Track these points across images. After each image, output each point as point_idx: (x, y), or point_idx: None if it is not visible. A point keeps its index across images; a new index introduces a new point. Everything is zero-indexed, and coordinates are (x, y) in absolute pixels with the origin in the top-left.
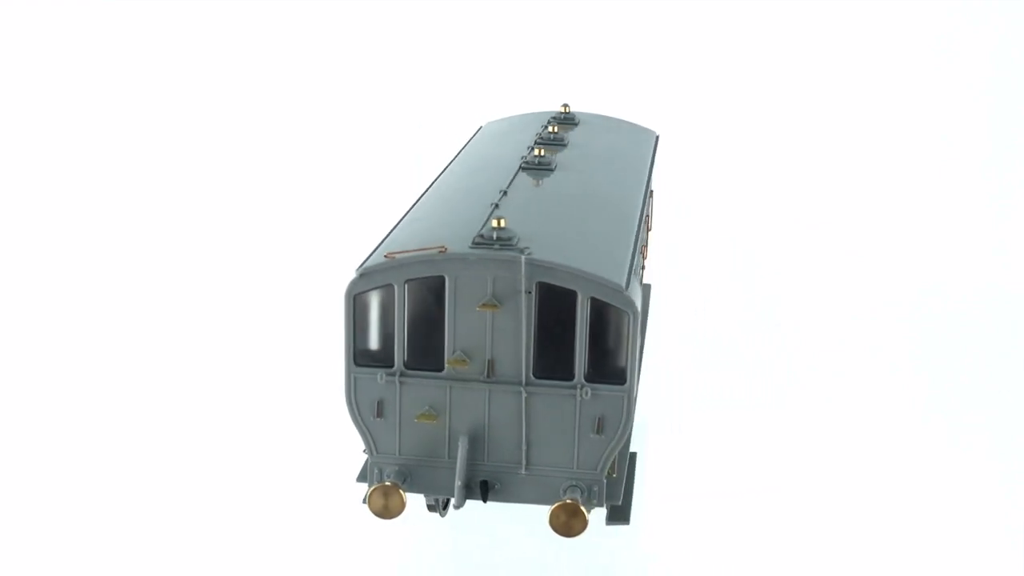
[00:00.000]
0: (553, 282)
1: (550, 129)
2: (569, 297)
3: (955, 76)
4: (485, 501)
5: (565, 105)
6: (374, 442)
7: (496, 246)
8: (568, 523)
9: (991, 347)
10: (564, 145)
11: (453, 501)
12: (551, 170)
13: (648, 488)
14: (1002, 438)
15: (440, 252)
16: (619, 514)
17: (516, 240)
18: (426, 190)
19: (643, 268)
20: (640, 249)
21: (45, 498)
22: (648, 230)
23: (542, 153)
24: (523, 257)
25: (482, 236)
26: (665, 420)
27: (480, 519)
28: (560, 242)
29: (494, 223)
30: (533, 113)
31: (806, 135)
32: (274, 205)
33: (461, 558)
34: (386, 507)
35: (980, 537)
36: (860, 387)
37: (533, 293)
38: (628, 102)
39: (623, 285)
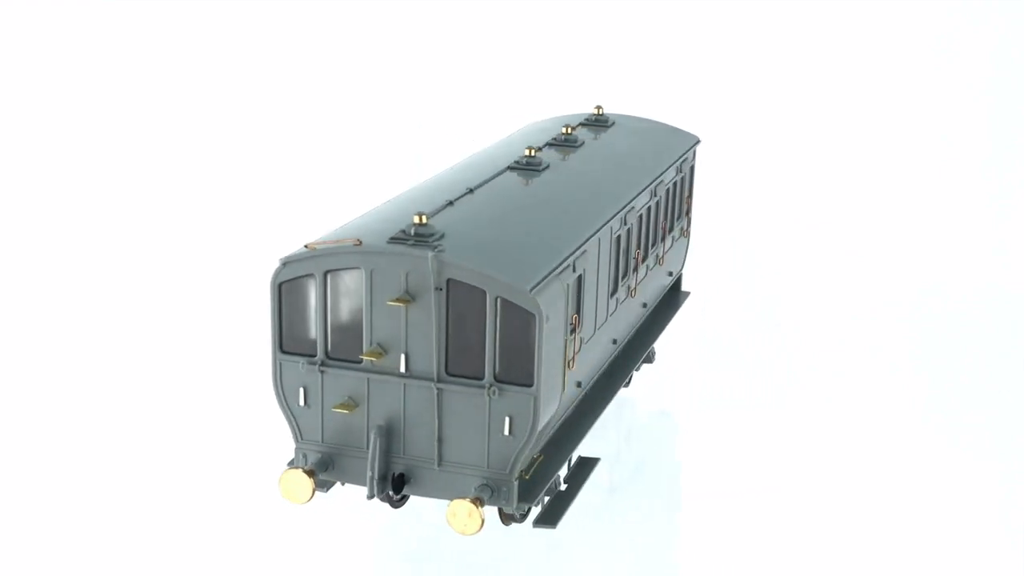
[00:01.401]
0: (462, 280)
1: (564, 130)
2: (479, 296)
3: (955, 76)
4: (397, 493)
5: (598, 107)
6: (299, 429)
7: (411, 242)
8: (463, 521)
9: (991, 347)
10: (576, 146)
11: (365, 491)
12: (538, 171)
13: (647, 487)
14: (1002, 438)
15: (355, 244)
16: (547, 517)
17: (436, 237)
18: (410, 188)
19: (673, 274)
20: (634, 254)
21: None
22: (669, 232)
23: (532, 154)
24: (430, 254)
25: (403, 231)
26: (665, 420)
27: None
28: (486, 242)
29: (416, 219)
30: (573, 114)
31: (805, 136)
32: (275, 202)
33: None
34: (293, 491)
35: (980, 537)
36: (860, 387)
37: (444, 290)
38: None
39: (527, 287)
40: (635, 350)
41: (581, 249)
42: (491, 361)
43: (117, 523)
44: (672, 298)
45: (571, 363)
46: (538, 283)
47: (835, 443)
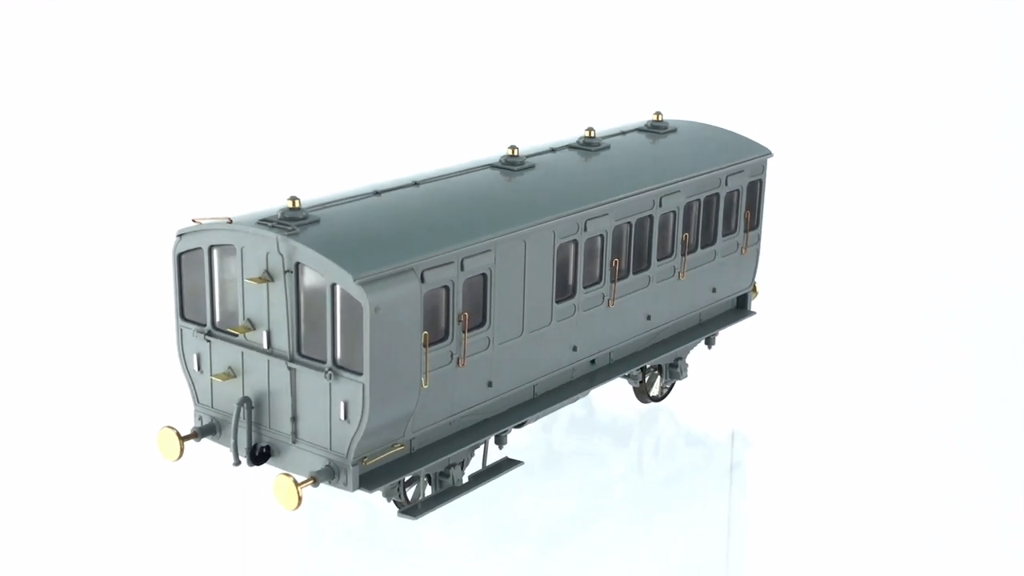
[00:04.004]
0: (307, 264)
1: (587, 133)
2: (321, 281)
3: (955, 76)
4: (259, 464)
5: (657, 113)
6: (195, 392)
7: (273, 224)
8: (283, 496)
9: (991, 347)
10: (598, 150)
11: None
12: (515, 171)
13: (647, 487)
14: (1002, 438)
15: (227, 223)
16: (414, 508)
17: (306, 222)
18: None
19: (717, 290)
20: (611, 262)
21: None
22: (705, 246)
23: (515, 153)
24: (277, 236)
25: (276, 214)
26: (665, 420)
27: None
28: (360, 232)
29: (289, 203)
30: (634, 121)
31: (804, 135)
32: (276, 199)
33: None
34: (166, 448)
35: (980, 537)
36: (860, 387)
37: (293, 273)
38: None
39: (355, 277)
40: (635, 360)
41: (480, 248)
42: (331, 346)
43: (79, 499)
44: (724, 316)
45: (461, 361)
46: (372, 274)
47: (834, 443)
